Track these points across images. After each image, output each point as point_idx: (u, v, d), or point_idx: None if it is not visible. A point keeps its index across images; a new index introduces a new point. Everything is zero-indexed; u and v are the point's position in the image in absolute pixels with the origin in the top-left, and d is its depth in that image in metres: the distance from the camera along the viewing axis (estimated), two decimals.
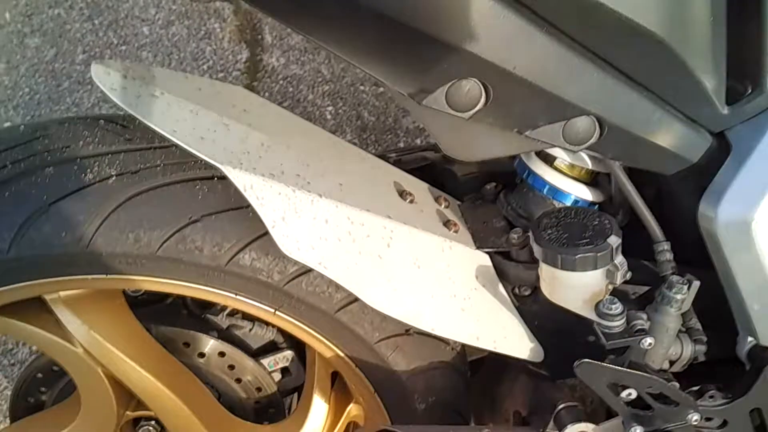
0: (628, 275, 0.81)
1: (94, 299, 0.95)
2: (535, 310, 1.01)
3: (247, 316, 1.15)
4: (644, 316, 0.82)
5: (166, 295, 1.14)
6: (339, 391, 1.14)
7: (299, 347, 1.17)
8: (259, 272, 0.88)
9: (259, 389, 1.17)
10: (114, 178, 0.86)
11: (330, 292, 0.92)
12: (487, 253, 1.00)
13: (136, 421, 1.08)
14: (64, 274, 0.87)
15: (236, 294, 0.91)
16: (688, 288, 0.82)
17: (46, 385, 1.12)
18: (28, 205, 0.84)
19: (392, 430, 0.88)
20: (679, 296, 0.82)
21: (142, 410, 1.04)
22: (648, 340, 0.80)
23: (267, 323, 1.16)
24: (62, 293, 0.93)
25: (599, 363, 0.80)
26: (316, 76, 2.15)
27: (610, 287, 0.83)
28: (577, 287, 0.82)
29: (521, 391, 1.12)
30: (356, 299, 0.93)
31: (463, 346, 1.11)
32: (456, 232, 0.99)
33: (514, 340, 0.99)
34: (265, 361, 1.16)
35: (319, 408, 1.10)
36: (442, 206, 1.04)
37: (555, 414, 0.90)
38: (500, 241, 1.00)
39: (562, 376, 1.05)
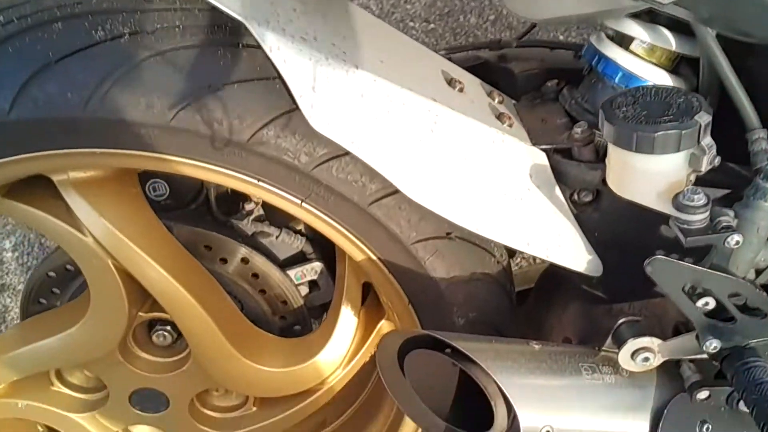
0: (717, 161, 0.68)
1: (105, 184, 0.87)
2: (595, 219, 0.89)
3: (274, 222, 1.05)
4: (731, 213, 0.69)
5: (191, 201, 1.06)
6: (370, 307, 1.05)
7: (329, 259, 1.07)
8: (285, 152, 0.78)
9: (284, 303, 1.08)
10: (127, 37, 0.76)
11: (363, 182, 0.82)
12: (544, 150, 0.88)
13: (151, 326, 1.00)
14: (69, 146, 0.78)
15: (259, 179, 0.81)
16: None
17: (59, 286, 1.04)
18: (33, 62, 0.75)
19: (427, 333, 0.78)
20: None
21: (156, 312, 0.96)
22: (735, 238, 0.67)
23: (295, 231, 1.07)
24: (71, 174, 0.85)
25: (677, 260, 0.68)
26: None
27: (692, 177, 0.70)
28: (653, 175, 0.70)
29: (572, 318, 1.00)
30: (392, 192, 0.82)
31: (509, 264, 1.00)
32: (510, 126, 0.88)
33: (570, 250, 0.88)
34: (291, 273, 1.07)
35: (347, 322, 1.00)
36: (495, 101, 0.93)
37: (615, 330, 0.78)
38: (560, 137, 0.88)
39: (621, 299, 0.93)
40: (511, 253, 0.99)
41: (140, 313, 0.96)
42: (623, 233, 0.89)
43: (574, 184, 0.87)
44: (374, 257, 0.88)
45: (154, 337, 0.99)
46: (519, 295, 1.04)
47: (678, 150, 0.67)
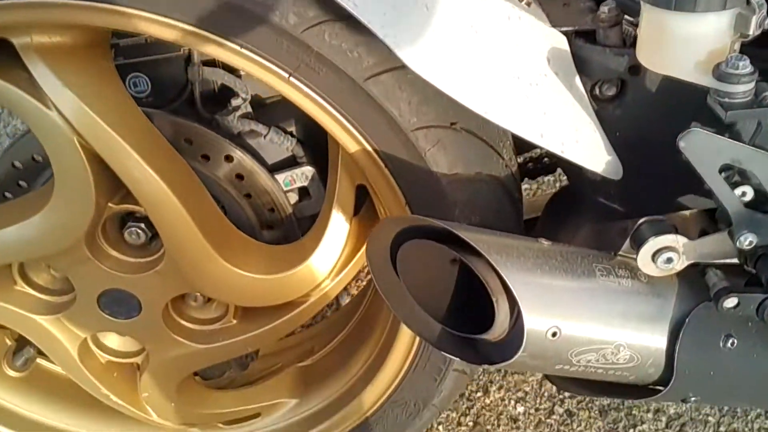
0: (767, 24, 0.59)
1: (72, 52, 0.78)
2: (617, 117, 0.80)
3: (262, 120, 0.96)
4: None
5: (174, 98, 0.97)
6: (364, 219, 0.96)
7: (322, 166, 0.98)
8: (271, 10, 0.69)
9: (272, 211, 0.99)
10: None
11: (359, 53, 0.72)
12: (565, 34, 0.78)
13: (123, 223, 0.91)
14: None
15: (242, 46, 0.72)
16: None
17: (26, 179, 0.96)
18: None
19: (426, 220, 0.69)
20: None
21: (128, 204, 0.88)
22: None
23: (285, 131, 0.97)
24: (35, 38, 0.76)
25: (715, 134, 0.59)
26: None
27: (737, 46, 0.61)
28: (692, 41, 0.61)
29: (585, 238, 0.91)
30: (391, 68, 0.73)
31: (518, 171, 0.91)
32: (528, 5, 0.78)
33: (588, 148, 0.79)
34: (280, 177, 0.98)
35: (337, 228, 0.92)
36: None
37: (634, 230, 0.69)
38: (584, 19, 0.78)
39: (641, 210, 0.84)
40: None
41: (110, 204, 0.87)
42: (648, 133, 0.80)
43: (596, 74, 0.78)
44: (369, 147, 0.79)
45: (126, 235, 0.91)
46: (526, 223, 0.96)
47: (723, 7, 0.58)
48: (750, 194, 0.63)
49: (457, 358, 0.71)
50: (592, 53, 0.77)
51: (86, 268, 0.89)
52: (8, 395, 1.12)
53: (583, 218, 0.92)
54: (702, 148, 0.60)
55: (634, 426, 1.33)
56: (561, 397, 1.38)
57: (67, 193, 0.83)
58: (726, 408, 1.33)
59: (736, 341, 0.70)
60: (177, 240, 0.87)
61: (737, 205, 0.62)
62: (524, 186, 1.59)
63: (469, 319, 0.72)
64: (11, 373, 1.11)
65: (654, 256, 0.68)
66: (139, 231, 0.90)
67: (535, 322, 0.65)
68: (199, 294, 0.98)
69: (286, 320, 0.97)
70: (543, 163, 1.21)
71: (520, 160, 1.26)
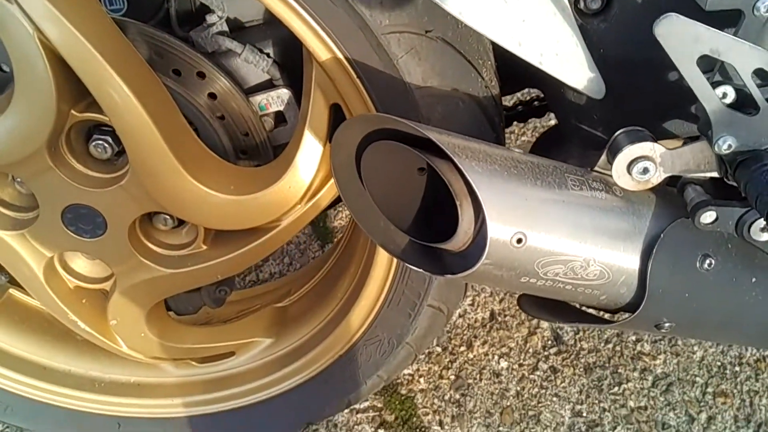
0: None
1: None
2: (602, 32, 0.76)
3: (237, 37, 0.93)
4: None
5: (150, 16, 0.94)
6: None
7: (298, 90, 0.94)
8: None
9: (246, 135, 0.96)
10: None
11: None
12: None
13: (89, 137, 0.88)
14: None
15: None
16: None
17: None
18: None
19: (392, 119, 0.66)
20: None
21: (93, 113, 0.84)
22: None
23: (261, 50, 0.94)
24: None
25: (694, 21, 0.55)
26: None
27: None
28: None
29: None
30: None
31: (500, 97, 0.88)
32: None
33: (568, 63, 0.75)
34: (255, 100, 0.95)
35: (309, 150, 0.88)
36: None
37: (611, 141, 0.66)
38: None
39: None
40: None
41: (74, 112, 0.84)
42: (633, 52, 0.76)
43: None
44: (340, 54, 0.76)
45: (91, 148, 0.88)
46: None
47: None
48: (731, 95, 0.59)
49: (420, 269, 0.68)
50: None
51: (48, 178, 0.86)
52: None
53: (568, 151, 0.89)
54: (679, 36, 0.56)
55: (619, 384, 1.29)
56: (546, 353, 1.35)
57: (27, 94, 0.79)
58: (714, 369, 1.29)
59: (713, 262, 0.66)
60: (142, 152, 0.84)
61: (716, 103, 0.58)
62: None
63: (436, 232, 0.69)
64: None
65: (629, 166, 0.65)
66: (105, 144, 0.87)
67: (500, 227, 0.62)
68: (168, 218, 0.96)
69: (257, 245, 0.94)
70: (533, 105, 1.18)
71: (509, 103, 1.23)
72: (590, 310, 0.78)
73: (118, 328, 1.04)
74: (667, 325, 0.70)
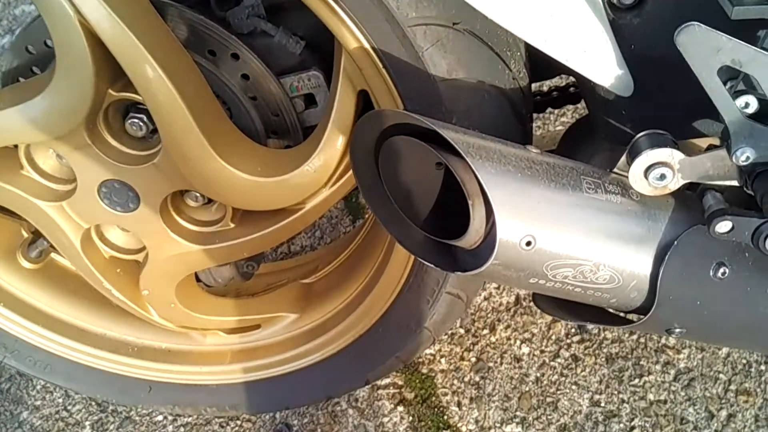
0: None
1: None
2: (634, 27, 0.75)
3: (272, 20, 0.94)
4: None
5: None
6: None
7: (328, 73, 0.96)
8: None
9: (276, 116, 0.98)
10: None
11: None
12: None
13: (126, 114, 0.91)
14: None
15: None
16: None
17: (39, 64, 0.97)
18: None
19: (411, 116, 0.66)
20: None
21: (129, 93, 0.87)
22: None
23: (294, 33, 0.95)
24: None
25: (716, 31, 0.54)
26: None
27: None
28: None
29: (600, 160, 0.87)
30: None
31: (529, 88, 0.87)
32: None
33: (596, 59, 0.74)
34: (286, 81, 0.96)
35: (336, 134, 0.90)
36: None
37: (632, 144, 0.65)
38: None
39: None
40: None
41: (111, 91, 0.87)
42: (665, 49, 0.74)
43: None
44: (367, 44, 0.77)
45: (127, 125, 0.91)
46: None
47: None
48: (754, 105, 0.58)
49: (431, 264, 0.69)
50: None
51: (86, 154, 0.90)
52: (22, 285, 1.16)
53: (596, 144, 0.88)
54: (700, 45, 0.55)
55: (641, 376, 1.29)
56: (568, 341, 1.35)
57: (67, 73, 0.83)
58: (739, 366, 1.28)
59: (728, 271, 0.66)
60: (173, 131, 0.87)
61: (735, 114, 0.57)
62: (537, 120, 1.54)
63: (450, 228, 0.70)
64: (26, 264, 1.15)
65: (646, 171, 0.64)
66: (140, 122, 0.90)
67: (509, 228, 0.62)
68: (198, 194, 0.99)
69: (282, 226, 0.97)
70: (568, 92, 1.17)
71: (545, 89, 1.21)
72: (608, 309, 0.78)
73: (150, 298, 1.09)
74: (677, 330, 0.70)
